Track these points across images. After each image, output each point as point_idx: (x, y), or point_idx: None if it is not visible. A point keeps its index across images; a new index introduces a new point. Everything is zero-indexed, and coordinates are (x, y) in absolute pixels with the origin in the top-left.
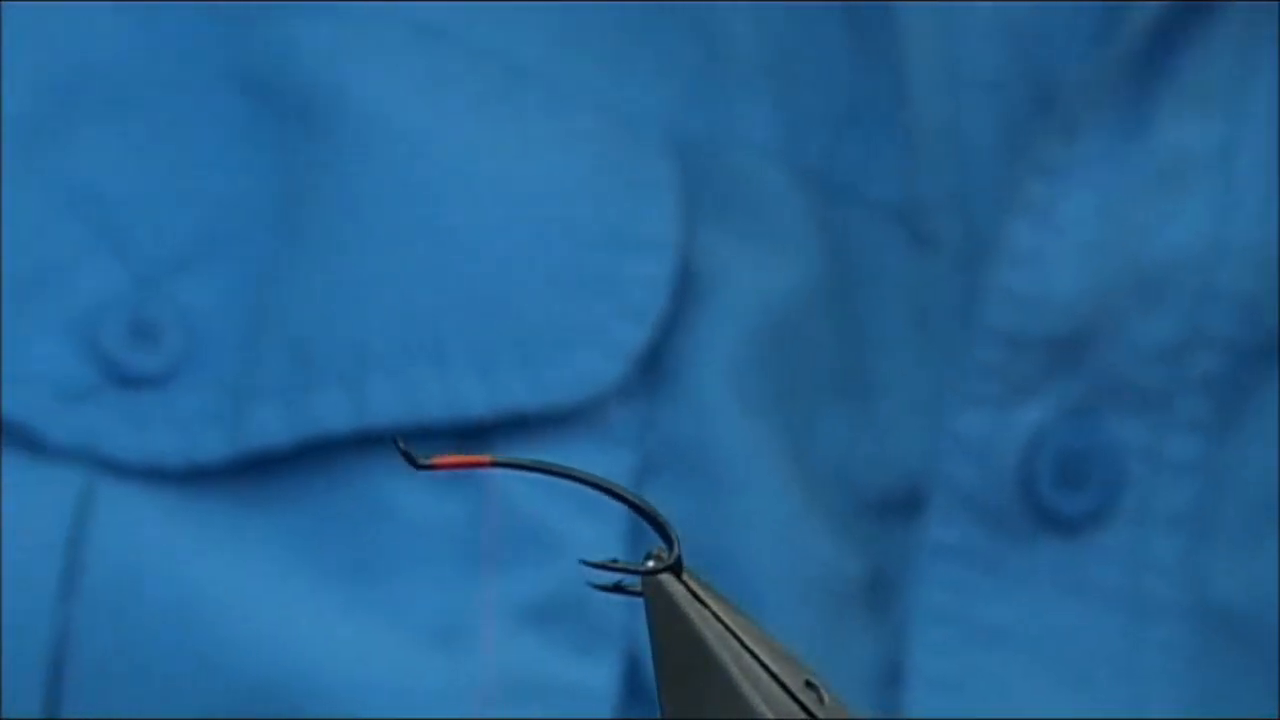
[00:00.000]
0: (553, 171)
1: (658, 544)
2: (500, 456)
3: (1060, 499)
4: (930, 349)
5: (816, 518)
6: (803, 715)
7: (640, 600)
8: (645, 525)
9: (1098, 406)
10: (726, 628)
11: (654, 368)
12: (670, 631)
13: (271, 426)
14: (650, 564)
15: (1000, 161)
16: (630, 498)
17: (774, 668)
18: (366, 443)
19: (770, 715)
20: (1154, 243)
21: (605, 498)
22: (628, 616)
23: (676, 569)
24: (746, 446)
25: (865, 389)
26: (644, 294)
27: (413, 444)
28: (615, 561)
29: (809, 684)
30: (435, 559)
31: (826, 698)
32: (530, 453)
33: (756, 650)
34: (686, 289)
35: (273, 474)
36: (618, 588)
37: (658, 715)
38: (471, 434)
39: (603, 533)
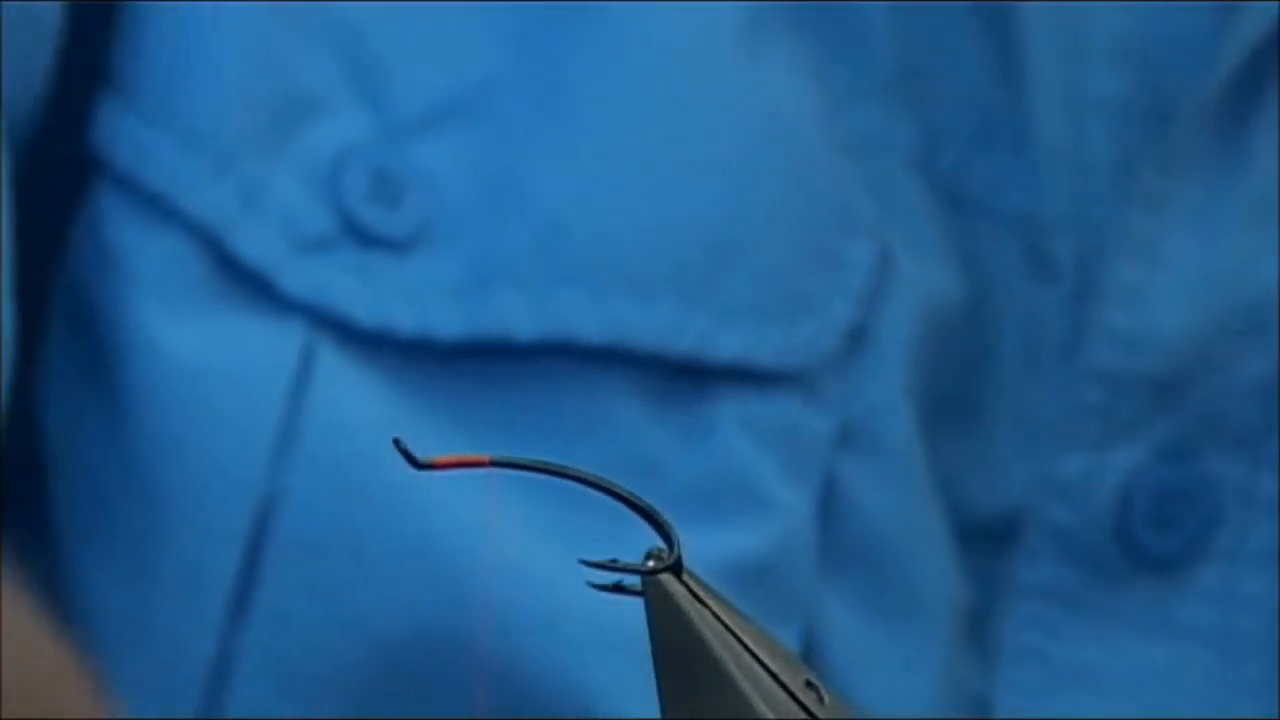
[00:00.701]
0: (794, 132)
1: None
2: (499, 456)
3: (1155, 538)
4: (1038, 379)
5: (941, 532)
6: (803, 715)
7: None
8: (831, 502)
9: (1195, 445)
10: (726, 628)
11: (858, 342)
12: (670, 631)
13: (513, 314)
14: (650, 564)
15: (1117, 187)
16: (630, 497)
17: (774, 668)
18: (605, 357)
19: (770, 715)
20: (1253, 277)
21: (802, 461)
22: (811, 591)
23: (676, 569)
24: (913, 436)
25: (976, 413)
26: (857, 276)
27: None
28: (615, 561)
29: (809, 684)
30: (651, 498)
31: (827, 698)
32: (750, 403)
33: (756, 650)
34: (884, 273)
35: (506, 365)
36: (618, 587)
37: (658, 715)
38: (702, 374)
39: (801, 496)
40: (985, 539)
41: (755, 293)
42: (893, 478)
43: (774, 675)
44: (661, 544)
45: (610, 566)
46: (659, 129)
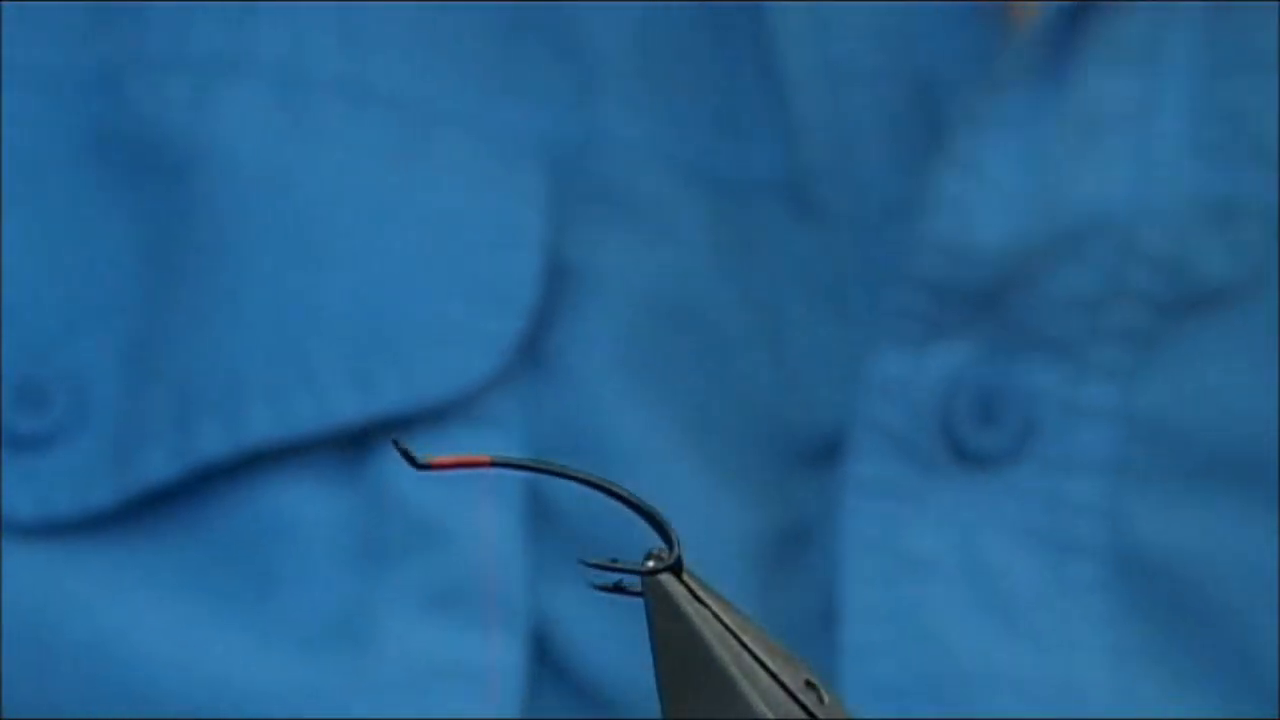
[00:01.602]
0: (418, 189)
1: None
2: (499, 456)
3: (977, 436)
4: (837, 309)
5: (724, 484)
6: (803, 715)
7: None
8: (544, 510)
9: (1013, 351)
10: (726, 628)
11: (538, 359)
12: (670, 631)
13: (156, 465)
14: (650, 564)
15: (883, 139)
16: (630, 498)
17: (774, 668)
18: (251, 464)
19: (770, 715)
20: (1076, 196)
21: (503, 480)
22: (531, 595)
23: (676, 569)
24: (639, 426)
25: (776, 353)
26: (512, 288)
27: (410, 445)
28: (615, 561)
29: (809, 684)
30: (330, 562)
31: (826, 698)
32: (419, 445)
33: (756, 650)
34: (564, 283)
35: (163, 510)
36: (618, 588)
37: (658, 716)
38: (353, 441)
39: (499, 520)
40: (812, 460)
41: (386, 346)
42: (613, 467)
43: (774, 675)
44: (662, 544)
45: (610, 566)
46: (266, 253)
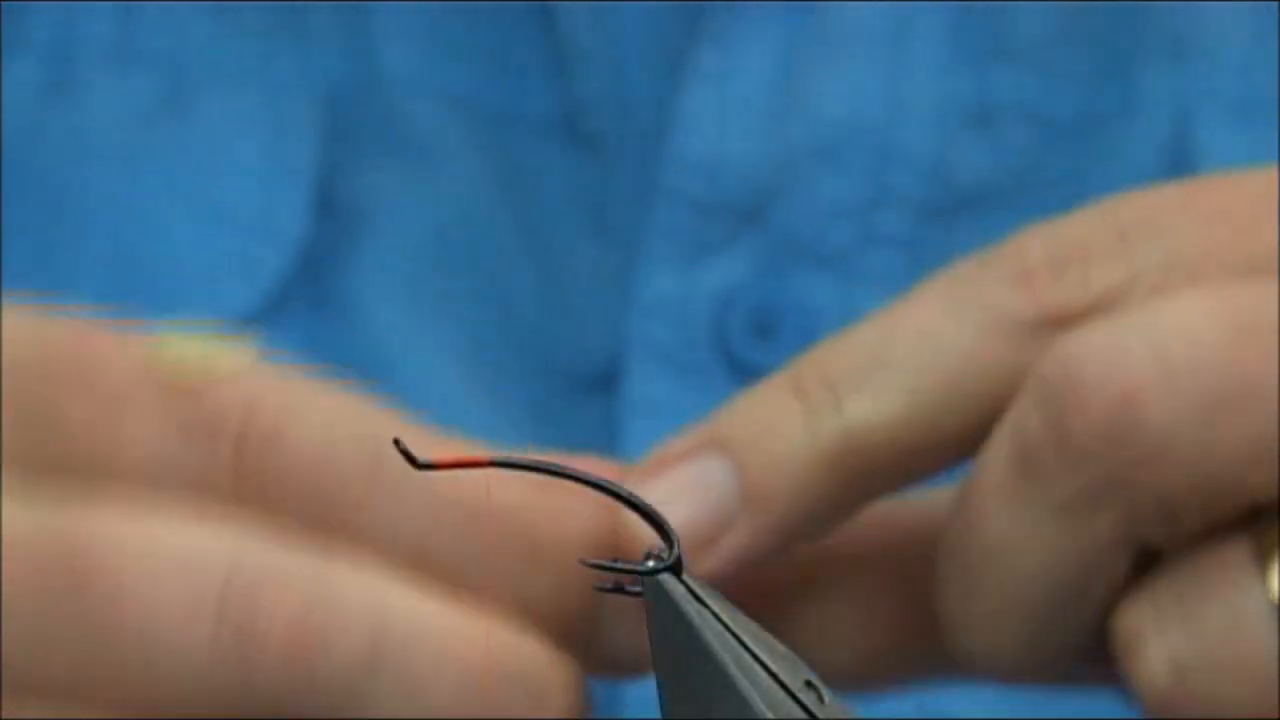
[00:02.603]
0: (182, 139)
1: None
2: (499, 456)
3: (754, 352)
4: (611, 236)
5: (501, 411)
6: (803, 715)
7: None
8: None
9: (786, 264)
10: (726, 628)
11: (315, 292)
12: (670, 631)
13: None
14: (650, 564)
15: (654, 67)
16: (629, 497)
17: (774, 668)
18: None
19: (770, 715)
20: (828, 107)
21: None
22: None
23: (676, 569)
24: (416, 356)
25: (551, 282)
26: (278, 222)
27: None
28: (615, 561)
29: (809, 684)
30: None
31: (826, 698)
32: None
33: (756, 650)
34: (341, 218)
35: None
36: (618, 588)
37: (658, 715)
38: None
39: None
40: (590, 385)
41: (163, 284)
42: (391, 396)
43: (774, 675)
44: (661, 544)
45: (610, 567)
46: (58, 215)
